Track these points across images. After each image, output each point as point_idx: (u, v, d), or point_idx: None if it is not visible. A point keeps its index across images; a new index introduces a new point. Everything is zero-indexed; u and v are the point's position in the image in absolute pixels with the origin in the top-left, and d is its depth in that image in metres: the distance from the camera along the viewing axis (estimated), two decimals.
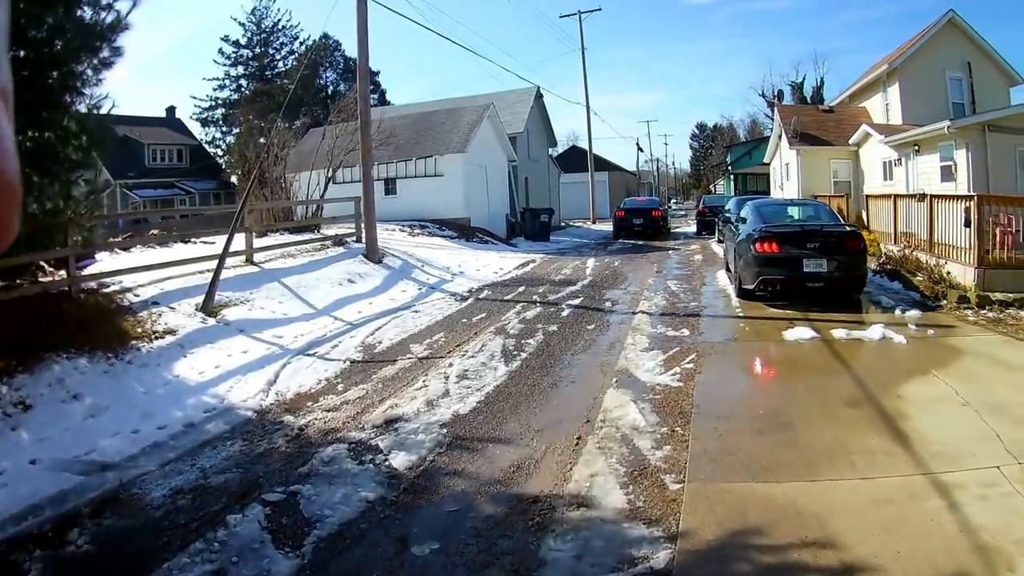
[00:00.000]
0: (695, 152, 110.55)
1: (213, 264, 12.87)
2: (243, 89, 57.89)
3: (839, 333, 9.72)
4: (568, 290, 14.46)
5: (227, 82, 58.80)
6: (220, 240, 14.09)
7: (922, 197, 14.75)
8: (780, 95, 44.46)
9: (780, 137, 31.81)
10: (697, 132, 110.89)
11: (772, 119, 70.22)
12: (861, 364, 8.55)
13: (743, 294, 12.50)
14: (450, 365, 8.95)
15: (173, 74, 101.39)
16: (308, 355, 9.91)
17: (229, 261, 13.55)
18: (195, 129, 54.31)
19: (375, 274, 15.94)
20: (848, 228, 12.56)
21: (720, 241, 23.84)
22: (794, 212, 14.08)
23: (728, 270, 15.69)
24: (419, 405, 7.42)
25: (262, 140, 26.30)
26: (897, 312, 11.13)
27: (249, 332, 11.03)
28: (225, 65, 58.68)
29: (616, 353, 9.21)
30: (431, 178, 26.18)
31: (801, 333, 9.84)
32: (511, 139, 31.20)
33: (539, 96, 36.57)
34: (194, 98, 58.14)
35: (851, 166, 27.69)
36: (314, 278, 14.59)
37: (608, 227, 39.22)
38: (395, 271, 16.48)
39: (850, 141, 27.10)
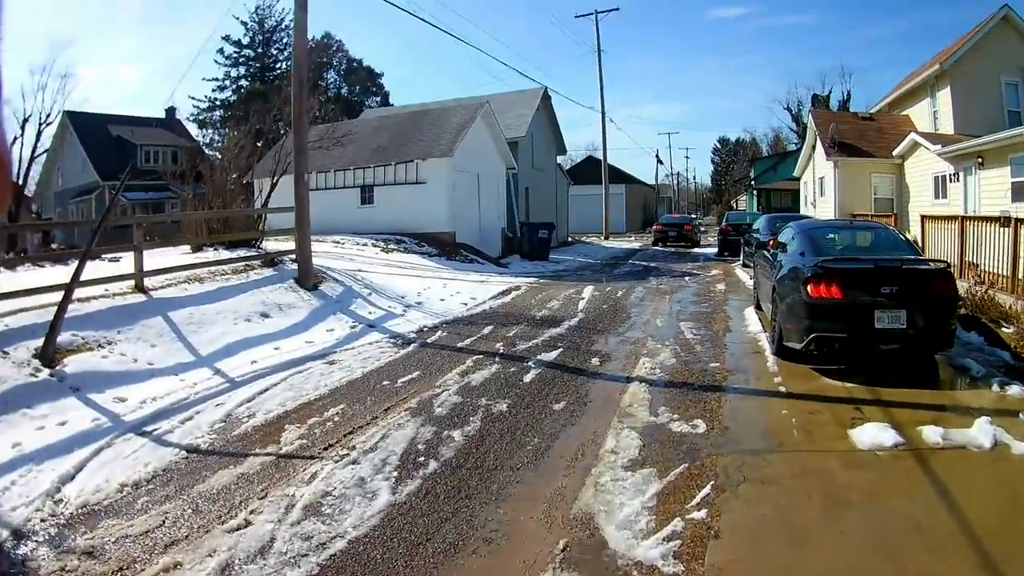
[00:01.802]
0: (716, 167, 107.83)
1: (94, 290, 10.36)
2: (243, 90, 55.19)
3: (932, 435, 6.10)
4: (547, 335, 10.84)
5: (227, 83, 56.52)
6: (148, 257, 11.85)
7: (1007, 221, 11.13)
8: (816, 99, 40.52)
9: (814, 147, 28.13)
10: (719, 146, 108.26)
11: (797, 132, 67.86)
12: (985, 507, 4.93)
13: (783, 352, 8.85)
14: (312, 478, 5.58)
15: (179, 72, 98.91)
16: (143, 433, 6.73)
17: (112, 287, 10.88)
18: (193, 131, 52.85)
19: (301, 305, 12.44)
20: (933, 265, 8.81)
21: (746, 265, 20.25)
22: (853, 238, 10.36)
23: (759, 308, 12.11)
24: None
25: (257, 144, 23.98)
26: (995, 387, 7.62)
27: (86, 391, 7.84)
28: (225, 65, 56.78)
29: (582, 473, 5.56)
30: (412, 186, 22.60)
31: (877, 435, 6.14)
32: (511, 144, 27.59)
33: (546, 98, 32.88)
34: (193, 99, 55.81)
35: (894, 181, 24.13)
36: (215, 311, 11.20)
37: (621, 244, 36.43)
38: (330, 301, 12.94)
39: (894, 152, 23.56)
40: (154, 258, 13.49)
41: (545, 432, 6.48)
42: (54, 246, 14.83)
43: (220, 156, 22.48)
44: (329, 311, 12.44)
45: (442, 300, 14.04)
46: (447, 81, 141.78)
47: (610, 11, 41.33)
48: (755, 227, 20.03)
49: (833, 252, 9.25)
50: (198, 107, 55.08)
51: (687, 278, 19.00)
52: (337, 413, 7.22)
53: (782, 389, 7.76)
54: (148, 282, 11.57)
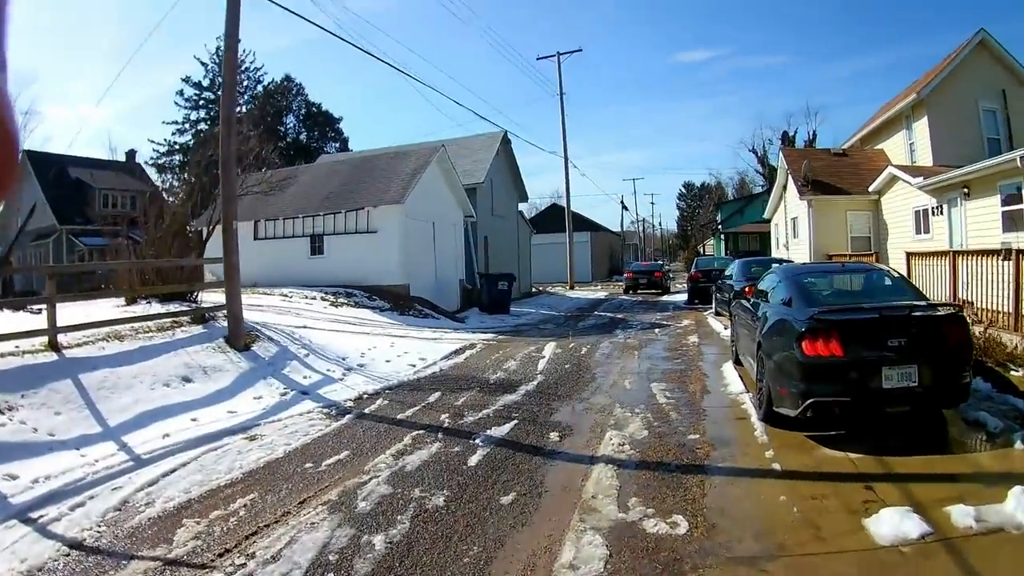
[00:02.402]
0: (682, 212, 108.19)
1: (4, 346, 9.42)
2: (202, 134, 53.77)
3: (962, 518, 4.92)
4: (501, 402, 9.51)
5: (186, 126, 54.90)
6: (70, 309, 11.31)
7: (1008, 253, 10.19)
8: (785, 137, 39.95)
9: (785, 187, 27.31)
10: (684, 191, 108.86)
11: (763, 174, 67.53)
12: None
13: (773, 417, 7.61)
14: None
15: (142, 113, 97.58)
16: (28, 520, 5.70)
17: (23, 344, 9.81)
18: (154, 175, 51.18)
19: (228, 369, 11.06)
20: (943, 310, 7.61)
21: (719, 313, 19.13)
22: (845, 283, 9.18)
23: (738, 363, 10.97)
24: None
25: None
26: (1018, 444, 6.56)
27: None
28: (185, 108, 55.06)
29: None
30: (363, 235, 21.27)
31: (899, 524, 4.91)
32: (470, 191, 26.46)
33: (506, 142, 31.80)
34: (152, 142, 54.12)
35: (871, 218, 23.32)
36: (132, 374, 9.93)
37: (587, 294, 35.39)
38: (261, 364, 11.53)
39: (870, 188, 22.74)
40: (84, 309, 12.40)
41: (488, 536, 5.13)
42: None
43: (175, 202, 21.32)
44: (259, 375, 11.04)
45: (388, 362, 12.66)
46: (408, 128, 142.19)
47: (572, 52, 40.60)
48: (727, 273, 18.94)
49: (825, 300, 8.07)
50: (157, 151, 53.44)
51: (657, 330, 17.78)
52: (245, 505, 5.94)
53: (776, 467, 6.47)
54: (64, 339, 10.32)
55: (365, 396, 10.20)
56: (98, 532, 5.45)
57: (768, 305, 8.69)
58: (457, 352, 14.05)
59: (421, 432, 8.06)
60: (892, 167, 21.85)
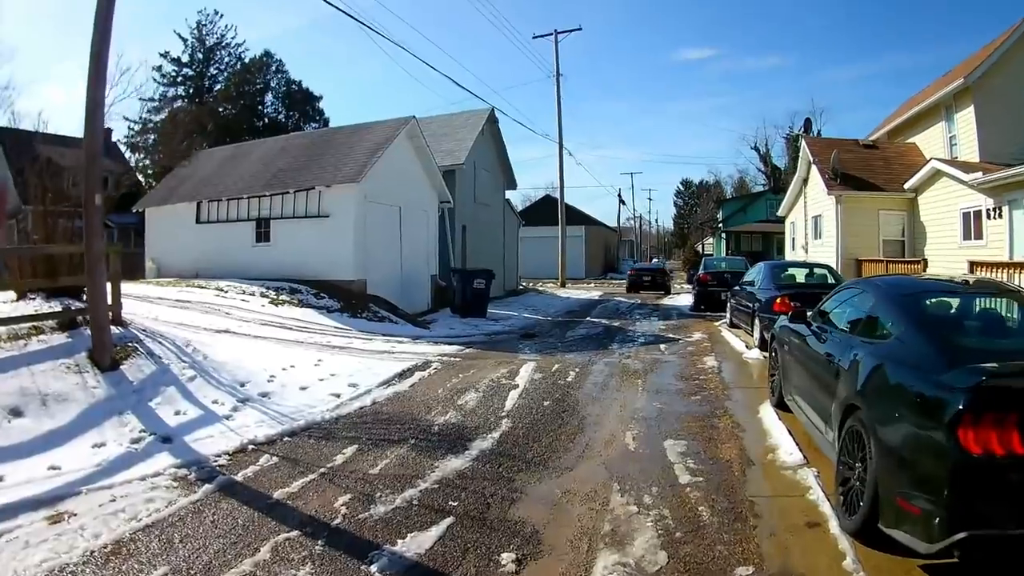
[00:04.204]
0: (679, 209, 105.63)
1: None
2: (177, 113, 50.48)
3: None
4: (438, 473, 6.33)
5: (162, 104, 51.25)
6: None
7: None
8: (809, 125, 36.70)
9: (806, 181, 24.08)
10: (682, 189, 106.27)
11: (765, 173, 64.39)
12: None
13: (868, 532, 4.50)
14: None
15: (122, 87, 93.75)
16: None
17: None
18: (129, 155, 48.36)
19: (77, 398, 7.91)
20: None
21: (734, 325, 16.06)
22: (983, 313, 5.95)
23: (781, 405, 7.91)
24: None
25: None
26: None
27: None
28: (163, 85, 51.60)
29: None
30: (314, 220, 17.98)
31: None
32: (448, 173, 23.15)
33: (493, 121, 28.38)
34: (127, 119, 50.50)
35: (906, 219, 20.15)
36: None
37: (579, 294, 32.44)
38: (125, 391, 8.35)
39: (906, 185, 19.53)
40: None
41: None
42: None
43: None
44: (115, 408, 7.86)
45: (304, 389, 9.40)
46: (395, 110, 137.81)
47: (571, 31, 37.54)
48: (748, 279, 15.76)
49: (973, 346, 4.86)
50: (133, 129, 50.01)
51: (663, 346, 14.58)
52: None
53: None
54: None
55: (250, 448, 7.03)
56: None
57: (851, 340, 5.59)
58: (404, 375, 10.80)
59: (292, 537, 4.88)
60: (935, 161, 18.73)
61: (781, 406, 8.08)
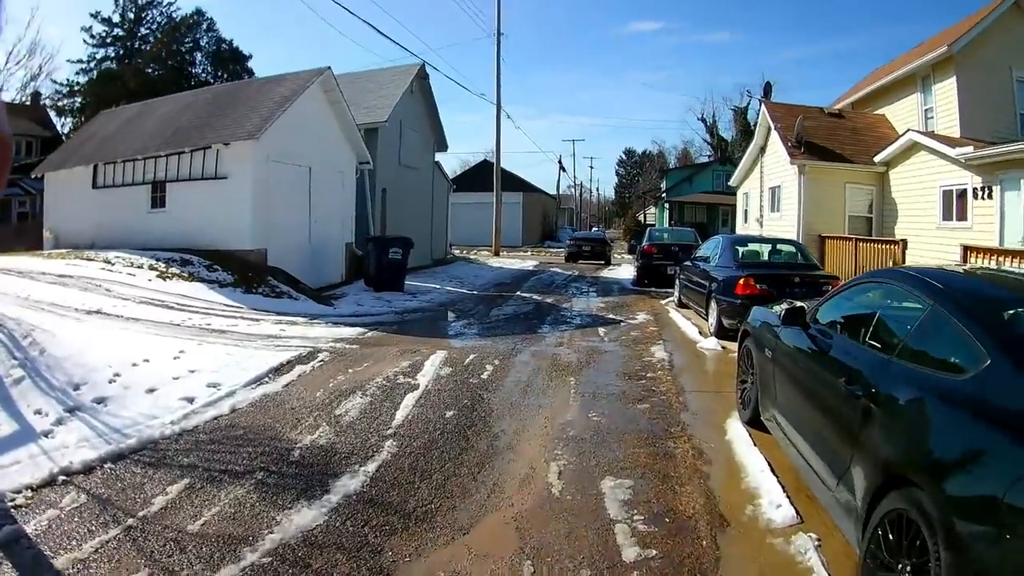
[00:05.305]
0: (621, 179, 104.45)
1: None
2: (103, 75, 47.34)
3: None
4: (281, 531, 4.25)
5: (92, 65, 48.25)
6: None
7: None
8: (768, 89, 35.03)
9: (763, 150, 22.31)
10: (625, 158, 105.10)
11: (711, 144, 63.20)
12: None
13: None
14: None
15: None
16: None
17: None
18: (55, 118, 46.24)
19: None
20: None
21: (683, 305, 14.25)
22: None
23: (754, 423, 6.13)
24: None
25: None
26: None
27: None
28: (92, 46, 48.70)
29: None
30: (210, 182, 15.42)
31: None
32: (369, 132, 20.75)
33: (423, 77, 25.84)
34: (55, 82, 47.36)
35: (875, 195, 18.51)
36: None
37: (513, 264, 30.47)
38: None
39: (877, 158, 17.85)
40: None
41: None
42: None
43: None
44: None
45: (152, 391, 7.13)
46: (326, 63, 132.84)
47: None
48: (701, 253, 13.83)
49: None
50: (60, 92, 46.77)
51: (602, 329, 12.60)
52: None
53: None
54: None
55: (60, 479, 4.87)
56: None
57: (893, 364, 3.64)
58: (281, 370, 8.57)
59: None
60: (913, 132, 17.06)
61: (755, 423, 6.14)
